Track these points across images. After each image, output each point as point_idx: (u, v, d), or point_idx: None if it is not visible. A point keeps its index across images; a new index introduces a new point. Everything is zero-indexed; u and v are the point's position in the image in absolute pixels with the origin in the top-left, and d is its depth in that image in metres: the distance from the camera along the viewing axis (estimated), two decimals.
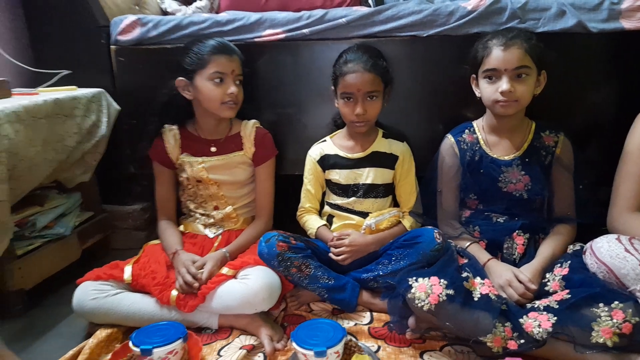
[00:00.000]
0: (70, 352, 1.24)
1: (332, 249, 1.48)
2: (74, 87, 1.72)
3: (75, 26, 1.75)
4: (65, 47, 1.78)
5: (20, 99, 1.45)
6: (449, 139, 1.50)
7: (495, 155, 1.44)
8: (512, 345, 1.07)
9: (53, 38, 1.79)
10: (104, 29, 1.73)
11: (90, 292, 1.33)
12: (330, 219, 1.60)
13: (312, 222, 1.58)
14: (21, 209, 1.54)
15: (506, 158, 1.43)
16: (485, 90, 1.36)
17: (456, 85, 1.55)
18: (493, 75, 1.34)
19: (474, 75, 1.43)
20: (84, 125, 1.63)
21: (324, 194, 1.65)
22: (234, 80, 1.49)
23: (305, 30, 1.61)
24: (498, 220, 1.43)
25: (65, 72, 1.73)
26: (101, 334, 1.30)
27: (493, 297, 1.15)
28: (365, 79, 1.41)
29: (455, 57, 1.54)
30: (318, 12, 1.61)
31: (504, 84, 1.30)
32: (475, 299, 1.15)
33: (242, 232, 1.58)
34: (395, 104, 1.58)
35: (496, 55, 1.32)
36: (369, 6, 1.90)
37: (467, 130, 1.50)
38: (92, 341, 1.26)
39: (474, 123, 1.51)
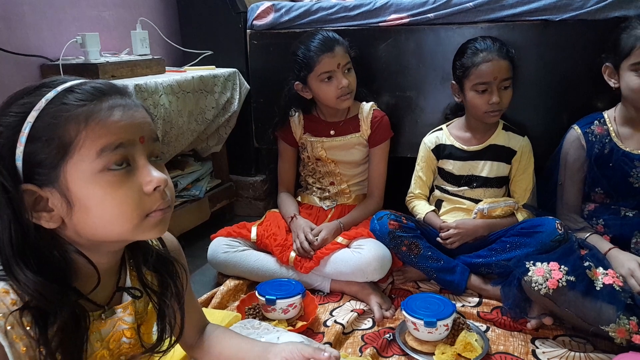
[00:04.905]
0: (205, 296, 1.42)
1: (441, 233, 1.50)
2: (212, 66, 1.93)
3: (218, 12, 1.94)
4: (208, 30, 1.99)
5: (173, 75, 1.66)
6: (576, 130, 1.43)
7: (628, 149, 1.36)
8: (638, 339, 1.03)
9: (198, 22, 2.01)
10: (242, 15, 1.91)
11: (222, 246, 1.51)
12: (439, 203, 1.62)
13: (420, 208, 1.60)
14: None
15: None
16: (634, 82, 1.26)
17: (587, 74, 1.48)
18: None
19: (607, 64, 1.34)
20: (220, 101, 1.83)
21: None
22: (343, 72, 1.54)
23: (430, 15, 1.63)
24: (627, 214, 1.35)
25: (208, 52, 1.95)
26: (230, 283, 1.47)
27: (617, 288, 1.10)
28: (502, 66, 1.39)
29: (590, 43, 1.47)
30: None
31: None
32: (598, 288, 1.11)
33: (354, 207, 1.67)
34: (518, 92, 1.53)
35: None
36: None
37: (596, 122, 1.42)
38: (222, 289, 1.44)
39: (605, 114, 1.42)
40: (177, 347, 0.88)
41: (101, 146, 0.56)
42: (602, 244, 1.32)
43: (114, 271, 0.69)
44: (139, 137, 0.60)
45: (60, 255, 0.60)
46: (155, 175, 0.60)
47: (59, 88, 0.58)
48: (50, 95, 0.57)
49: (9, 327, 0.54)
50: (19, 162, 0.56)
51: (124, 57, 1.69)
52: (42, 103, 0.56)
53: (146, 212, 0.60)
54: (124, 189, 0.58)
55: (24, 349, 0.55)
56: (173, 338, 0.75)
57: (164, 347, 0.73)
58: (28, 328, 0.55)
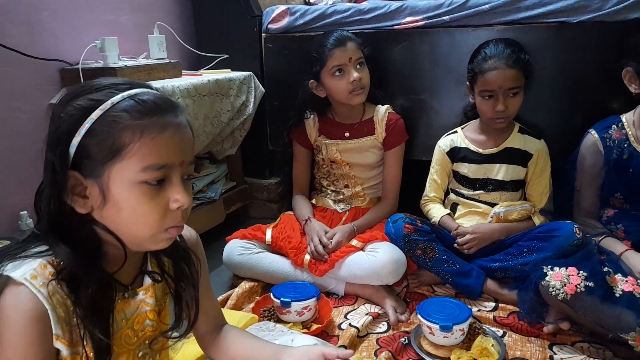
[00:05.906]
0: (220, 298, 1.43)
1: (458, 239, 1.48)
2: (228, 70, 1.94)
3: (233, 16, 1.96)
4: (224, 34, 2.00)
5: (189, 79, 1.68)
6: (593, 134, 1.41)
7: None
8: None
9: (214, 26, 2.03)
10: (257, 18, 1.92)
11: (237, 248, 1.52)
12: (454, 207, 1.61)
13: (435, 211, 1.59)
14: None
15: None
16: None
17: (604, 77, 1.46)
18: None
19: (628, 69, 1.31)
20: (235, 104, 1.84)
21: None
22: (354, 66, 1.55)
23: (445, 17, 1.62)
24: None
25: (224, 56, 1.96)
26: (245, 285, 1.48)
27: (638, 296, 1.09)
28: (507, 76, 1.37)
29: (608, 45, 1.45)
30: None
31: None
32: (617, 295, 1.09)
33: (368, 210, 1.66)
34: (534, 94, 1.52)
35: None
36: None
37: (614, 126, 1.39)
38: (237, 291, 1.45)
39: (623, 117, 1.40)
40: (194, 348, 0.90)
41: (147, 164, 0.62)
42: (617, 245, 1.30)
43: (138, 258, 0.74)
44: (180, 161, 0.66)
45: (90, 234, 0.66)
46: (184, 196, 0.65)
47: (125, 94, 0.63)
48: (116, 99, 0.62)
49: (50, 294, 0.60)
50: (72, 150, 0.62)
51: (141, 61, 1.72)
52: (107, 104, 0.62)
53: (165, 227, 0.66)
54: (154, 202, 0.64)
55: (63, 314, 0.61)
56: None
57: (180, 332, 0.77)
58: (66, 296, 0.62)
